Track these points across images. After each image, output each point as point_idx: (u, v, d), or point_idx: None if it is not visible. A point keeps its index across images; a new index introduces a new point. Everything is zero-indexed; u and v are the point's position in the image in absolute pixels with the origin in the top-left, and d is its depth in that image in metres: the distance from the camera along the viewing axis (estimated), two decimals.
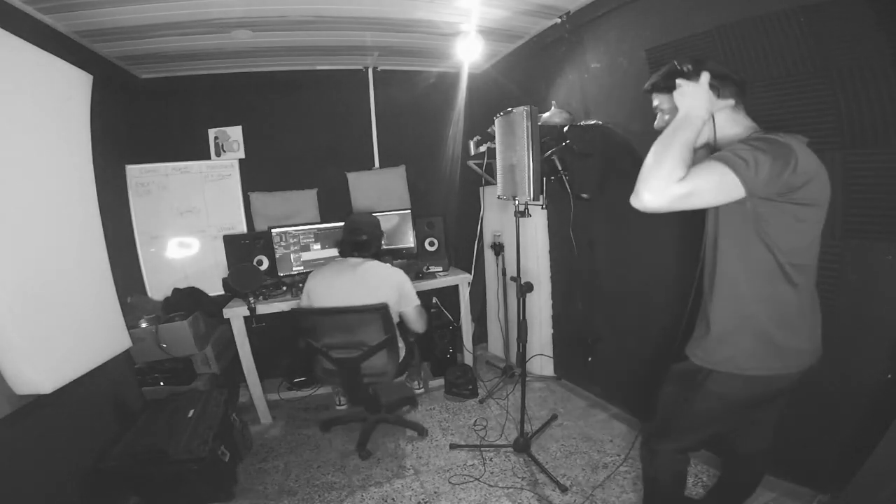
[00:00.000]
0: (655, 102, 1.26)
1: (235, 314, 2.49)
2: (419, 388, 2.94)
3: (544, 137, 2.12)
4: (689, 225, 1.98)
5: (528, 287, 2.07)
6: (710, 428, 1.30)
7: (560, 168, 2.28)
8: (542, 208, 2.30)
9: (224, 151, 3.05)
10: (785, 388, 1.22)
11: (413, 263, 2.92)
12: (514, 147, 1.90)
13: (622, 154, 2.24)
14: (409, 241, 3.07)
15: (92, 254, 1.84)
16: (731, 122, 1.13)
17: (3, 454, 1.42)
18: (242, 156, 3.07)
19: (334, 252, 2.97)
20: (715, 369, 1.18)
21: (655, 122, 1.25)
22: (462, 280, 2.89)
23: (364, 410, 2.41)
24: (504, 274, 3.10)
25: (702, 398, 1.22)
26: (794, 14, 1.49)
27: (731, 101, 1.11)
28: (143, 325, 2.38)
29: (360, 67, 3.19)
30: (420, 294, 2.92)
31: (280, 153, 3.13)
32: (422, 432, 2.39)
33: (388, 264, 2.25)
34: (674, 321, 2.11)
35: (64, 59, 1.71)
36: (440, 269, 2.95)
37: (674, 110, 1.15)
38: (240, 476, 2.12)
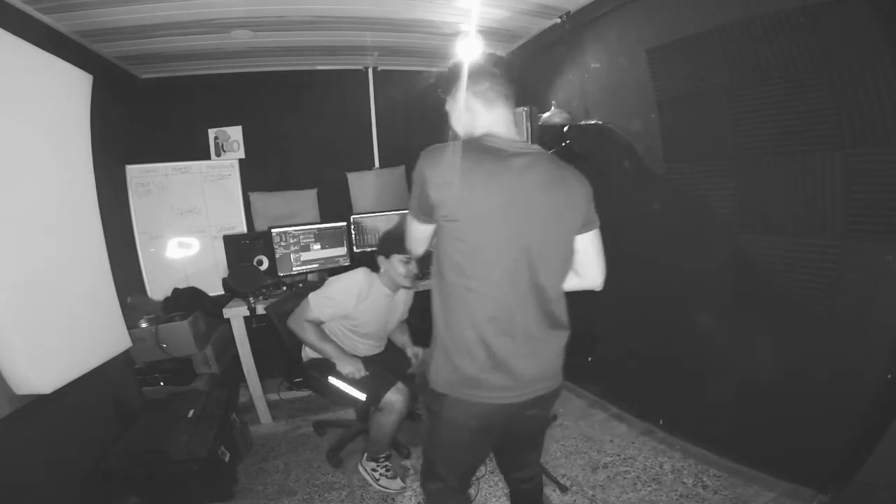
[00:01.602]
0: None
1: (235, 314, 2.48)
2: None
3: (544, 137, 2.12)
4: (688, 224, 1.99)
5: None
6: (459, 460, 1.18)
7: None
8: None
9: (224, 151, 3.05)
10: (500, 423, 1.10)
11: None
12: None
13: (622, 154, 2.24)
14: None
15: (92, 254, 1.84)
16: (471, 130, 1.10)
17: (3, 454, 1.42)
18: (242, 156, 3.07)
19: (335, 252, 2.98)
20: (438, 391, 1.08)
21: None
22: None
23: (355, 418, 2.39)
24: None
25: (439, 425, 1.11)
26: (794, 14, 1.49)
27: (468, 114, 1.10)
28: (143, 325, 2.38)
29: (360, 67, 3.19)
30: (420, 294, 2.92)
31: (280, 153, 3.13)
32: (401, 452, 2.23)
33: (348, 273, 2.03)
34: (673, 321, 2.12)
35: (64, 59, 1.71)
36: None
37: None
38: (240, 476, 2.12)
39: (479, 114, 1.09)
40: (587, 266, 1.18)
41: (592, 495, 1.85)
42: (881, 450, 1.28)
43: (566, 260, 1.13)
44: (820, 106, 1.48)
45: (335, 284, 1.98)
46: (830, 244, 1.51)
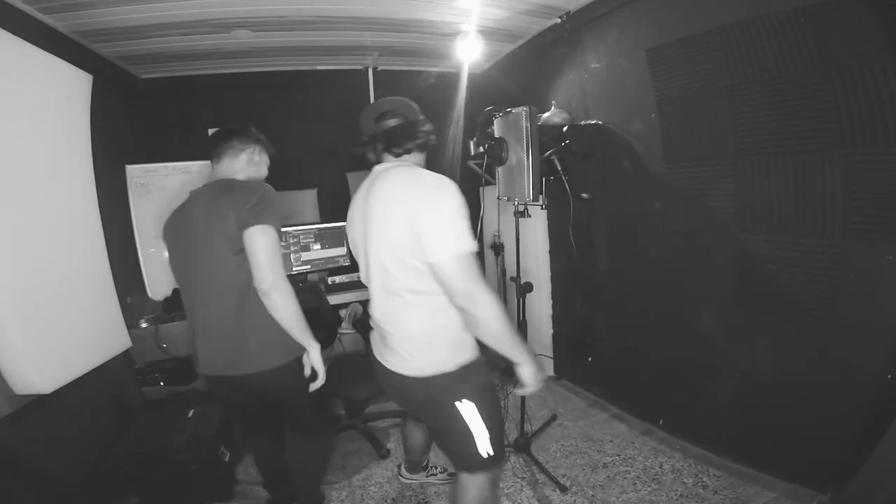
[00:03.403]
0: None
1: None
2: None
3: (544, 137, 2.12)
4: (688, 224, 1.98)
5: (528, 287, 2.07)
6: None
7: (559, 168, 2.28)
8: (542, 208, 2.31)
9: None
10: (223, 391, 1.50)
11: None
12: (513, 147, 1.90)
13: (622, 154, 2.24)
14: None
15: (92, 254, 1.84)
16: None
17: (3, 454, 1.42)
18: None
19: (335, 252, 2.98)
20: None
21: None
22: None
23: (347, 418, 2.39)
24: (504, 274, 3.10)
25: None
26: (794, 14, 1.49)
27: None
28: (143, 325, 2.38)
29: (360, 67, 3.19)
30: None
31: (280, 153, 3.11)
32: (380, 452, 2.21)
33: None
34: (673, 320, 2.12)
35: (64, 59, 1.71)
36: None
37: None
38: (240, 476, 2.12)
39: None
40: (253, 266, 1.29)
41: (592, 495, 1.85)
42: (881, 450, 1.28)
43: (229, 268, 1.33)
44: (820, 106, 1.48)
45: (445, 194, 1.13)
46: (830, 244, 1.51)
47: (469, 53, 2.72)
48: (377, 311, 1.27)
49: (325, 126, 3.18)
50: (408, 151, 1.28)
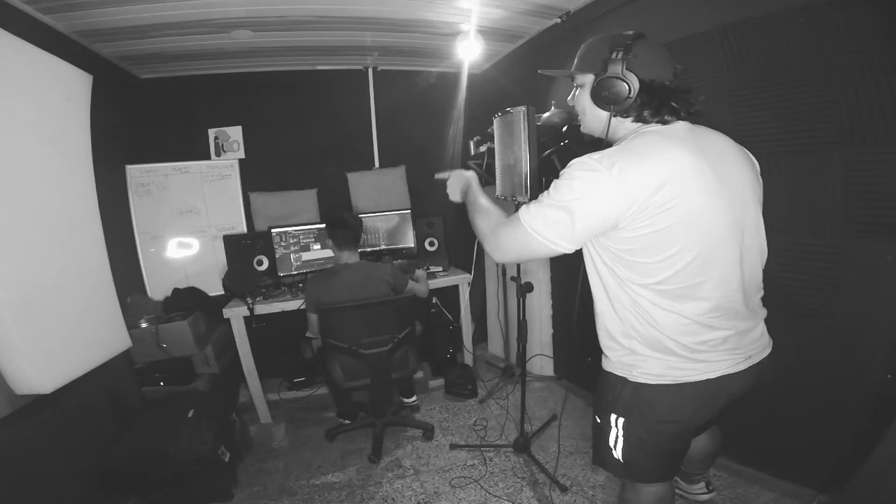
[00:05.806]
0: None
1: (235, 314, 2.49)
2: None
3: (543, 137, 2.11)
4: None
5: (528, 287, 2.06)
6: None
7: (559, 168, 2.27)
8: None
9: (224, 151, 3.05)
10: None
11: (413, 263, 2.92)
12: (512, 147, 1.90)
13: None
14: (409, 241, 3.07)
15: (92, 254, 1.84)
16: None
17: (3, 454, 1.42)
18: (242, 156, 3.07)
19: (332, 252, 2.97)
20: None
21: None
22: (462, 280, 2.88)
23: (369, 416, 2.43)
24: (504, 274, 3.10)
25: None
26: (793, 14, 1.49)
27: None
28: (143, 325, 2.38)
29: (360, 67, 3.19)
30: None
31: (280, 153, 3.13)
32: (428, 432, 2.38)
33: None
34: None
35: (64, 59, 1.70)
36: (440, 269, 2.95)
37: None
38: (240, 476, 2.12)
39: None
40: None
41: (592, 495, 1.85)
42: (881, 450, 1.28)
43: None
44: (820, 106, 1.47)
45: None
46: (830, 244, 1.51)
47: (469, 53, 2.72)
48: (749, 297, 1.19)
49: (325, 126, 3.18)
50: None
